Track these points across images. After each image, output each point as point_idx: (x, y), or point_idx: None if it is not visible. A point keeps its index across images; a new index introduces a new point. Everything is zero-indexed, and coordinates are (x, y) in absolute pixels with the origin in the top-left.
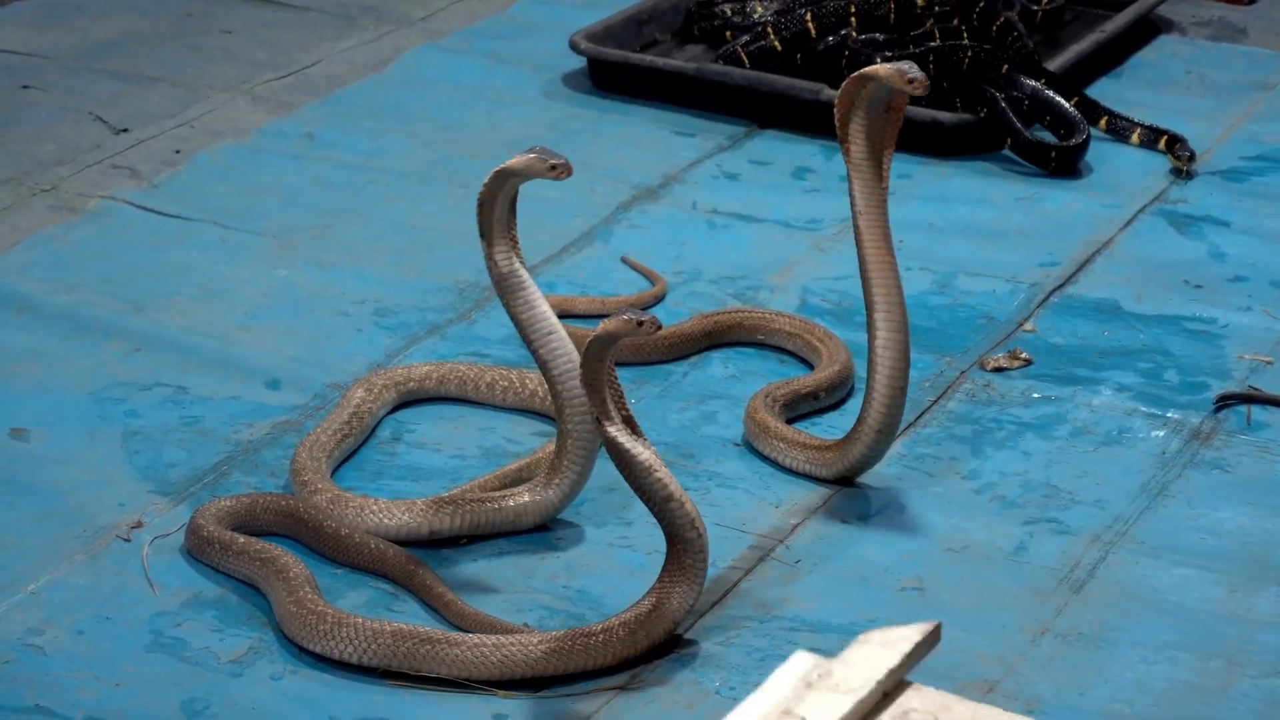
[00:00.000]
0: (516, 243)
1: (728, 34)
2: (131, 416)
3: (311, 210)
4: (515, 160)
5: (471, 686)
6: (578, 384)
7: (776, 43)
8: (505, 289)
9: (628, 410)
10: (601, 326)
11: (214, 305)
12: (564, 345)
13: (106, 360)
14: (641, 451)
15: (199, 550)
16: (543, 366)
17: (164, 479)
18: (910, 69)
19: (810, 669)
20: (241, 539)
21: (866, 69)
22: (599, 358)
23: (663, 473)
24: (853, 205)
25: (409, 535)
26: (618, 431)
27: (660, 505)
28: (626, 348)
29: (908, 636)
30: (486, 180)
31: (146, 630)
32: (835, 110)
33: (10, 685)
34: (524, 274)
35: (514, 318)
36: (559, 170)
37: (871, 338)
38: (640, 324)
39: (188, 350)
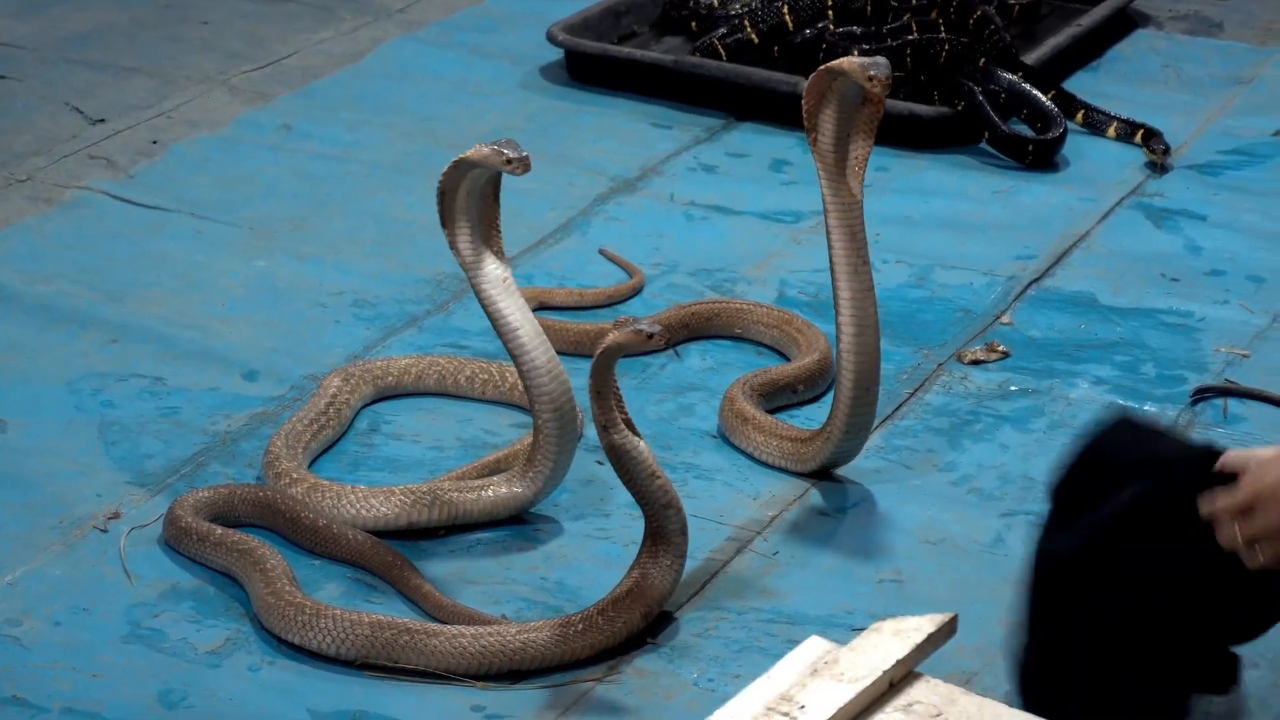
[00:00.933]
0: (496, 232)
1: (693, 25)
2: (108, 407)
3: (289, 201)
4: (473, 151)
5: (450, 678)
6: (548, 379)
7: (754, 35)
8: (472, 281)
9: (627, 413)
10: (611, 338)
11: (191, 296)
12: (533, 340)
13: (83, 351)
14: (646, 458)
15: (177, 541)
16: (513, 359)
17: (141, 470)
18: (875, 66)
19: (819, 656)
20: (219, 530)
21: (833, 63)
22: (607, 368)
23: (664, 479)
24: (823, 200)
25: (387, 526)
26: (623, 439)
27: (658, 510)
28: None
29: (920, 627)
30: (445, 170)
31: (124, 621)
32: (803, 102)
33: None
34: (491, 267)
35: (483, 309)
36: (514, 165)
37: (839, 337)
38: (650, 336)
39: (165, 341)
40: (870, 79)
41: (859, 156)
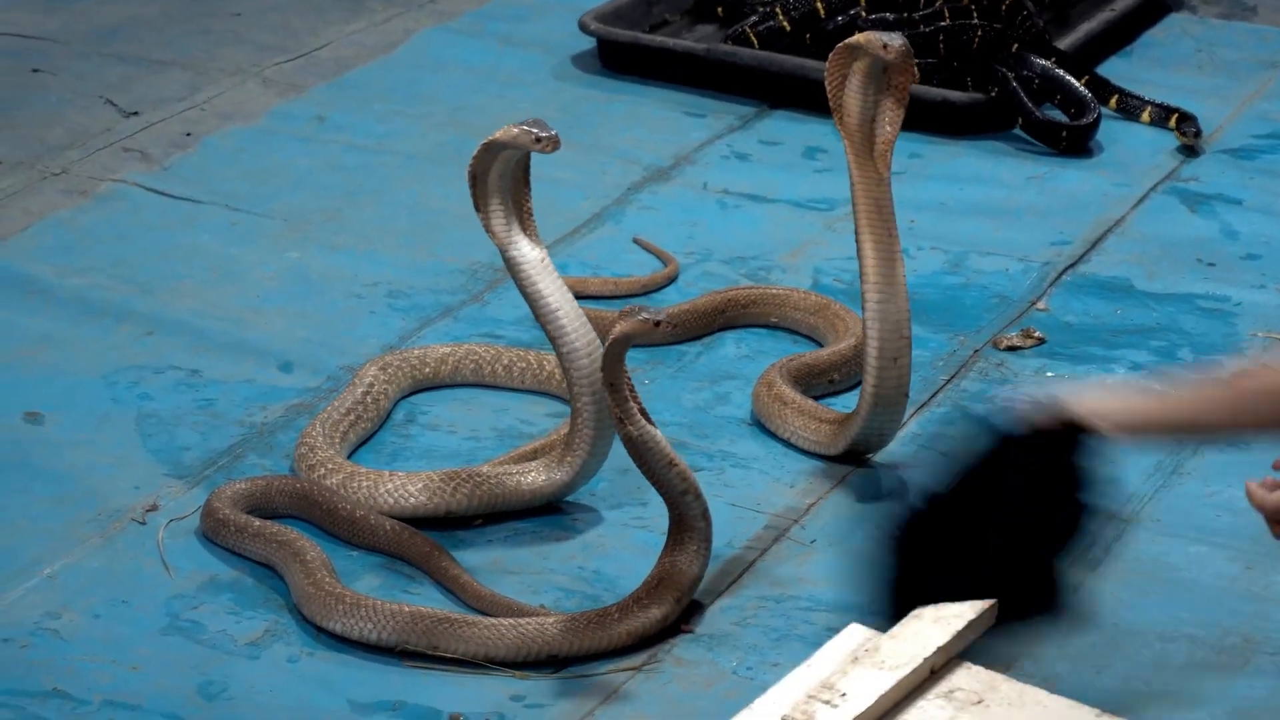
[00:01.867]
0: (529, 215)
1: (719, 10)
2: (145, 400)
3: (322, 193)
4: (501, 133)
5: (488, 668)
6: (587, 360)
7: (785, 23)
8: (509, 263)
9: (640, 402)
10: (619, 328)
11: (226, 288)
12: (572, 321)
13: (119, 343)
14: (662, 446)
15: (214, 532)
16: (552, 342)
17: (178, 462)
18: (891, 37)
19: (860, 643)
20: (257, 522)
21: (850, 39)
22: (618, 359)
23: (681, 466)
24: (850, 177)
25: (425, 513)
26: (639, 430)
27: (677, 498)
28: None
29: (961, 614)
30: (475, 153)
31: (163, 613)
32: (826, 80)
33: (28, 669)
34: (527, 248)
35: (521, 292)
36: (544, 143)
37: (864, 309)
38: (657, 324)
39: (200, 333)
40: (885, 47)
41: (886, 135)
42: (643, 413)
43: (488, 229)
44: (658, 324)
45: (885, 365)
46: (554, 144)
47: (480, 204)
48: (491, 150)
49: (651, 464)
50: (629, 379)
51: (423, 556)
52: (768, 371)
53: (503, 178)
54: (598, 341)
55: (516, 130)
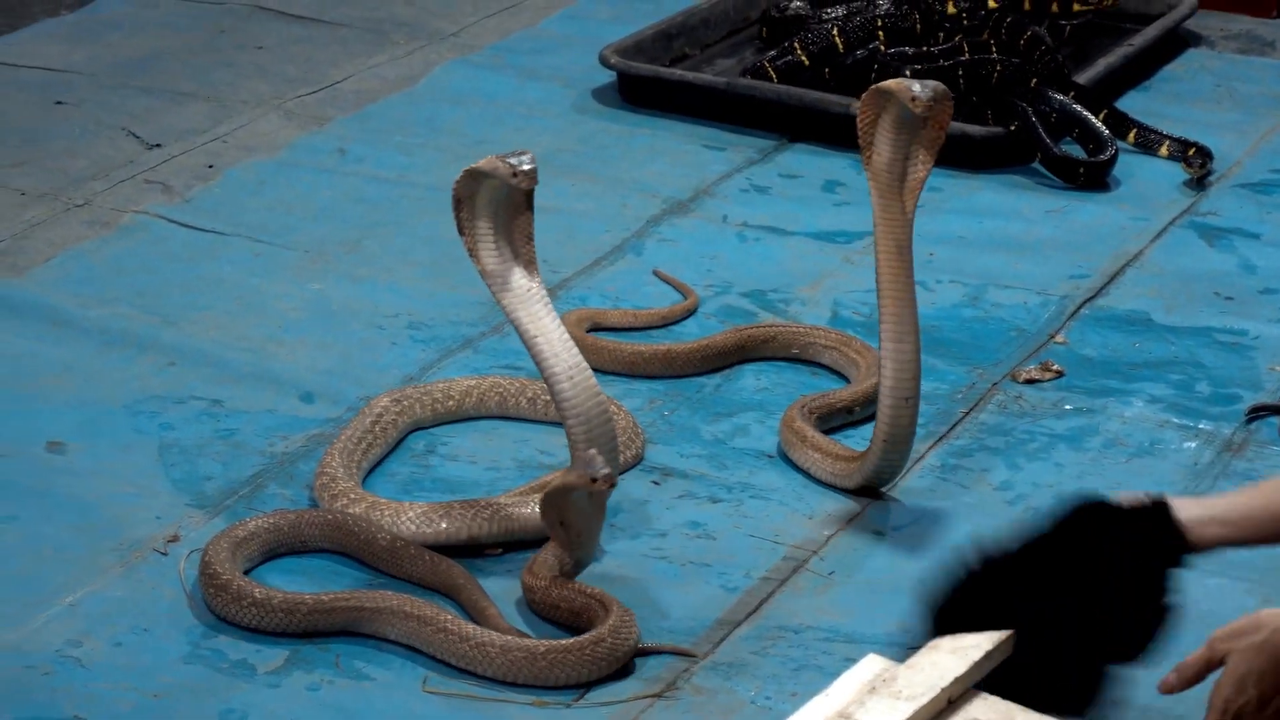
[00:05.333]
0: (525, 242)
1: (763, 31)
2: (167, 430)
3: (344, 224)
4: (484, 162)
5: (508, 699)
6: (569, 385)
7: (804, 57)
8: (492, 289)
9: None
10: (557, 479)
11: (247, 319)
12: (552, 347)
13: (141, 374)
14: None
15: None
16: (537, 366)
17: (200, 491)
18: (919, 87)
19: (877, 674)
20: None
21: (882, 83)
22: (552, 507)
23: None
24: (874, 215)
25: (446, 542)
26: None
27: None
28: (660, 362)
29: (979, 644)
30: (458, 178)
31: (184, 641)
32: (858, 121)
33: (49, 696)
34: (515, 276)
35: (508, 318)
36: (520, 179)
37: (881, 348)
38: (594, 480)
39: (222, 364)
40: (913, 100)
41: (916, 179)
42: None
43: (471, 253)
44: (594, 479)
45: (898, 405)
46: (530, 180)
47: (464, 229)
48: (472, 177)
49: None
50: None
51: (455, 589)
52: (789, 409)
53: (493, 204)
54: (586, 368)
55: (498, 162)
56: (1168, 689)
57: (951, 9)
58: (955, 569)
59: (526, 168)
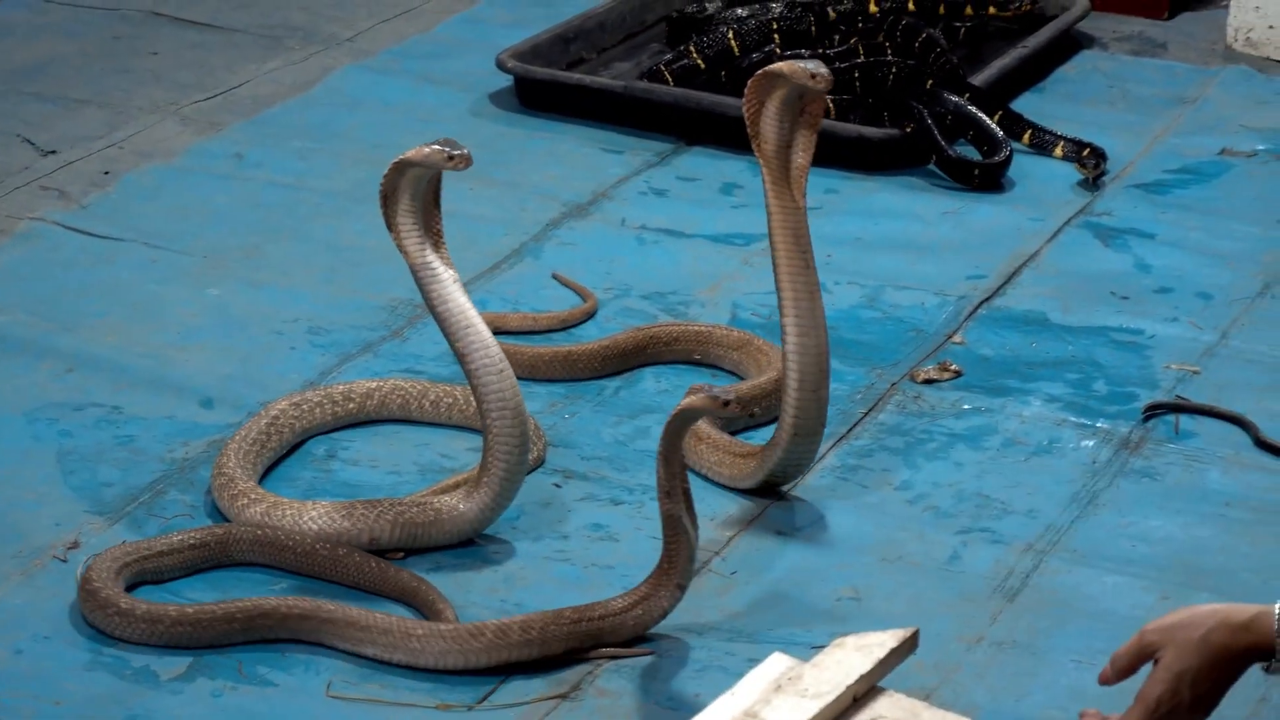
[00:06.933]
0: (439, 236)
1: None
2: (65, 436)
3: (242, 230)
4: (413, 152)
5: (412, 702)
6: (496, 378)
7: (700, 60)
8: (420, 280)
9: (688, 484)
10: (685, 401)
11: (146, 325)
12: (481, 338)
13: (39, 381)
14: (692, 539)
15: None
16: (461, 360)
17: (99, 498)
18: (817, 66)
19: (783, 672)
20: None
21: (771, 66)
22: (678, 433)
23: (694, 564)
24: (767, 207)
25: (347, 541)
26: (678, 512)
27: (672, 587)
28: (560, 364)
29: (883, 642)
30: (386, 173)
31: (85, 649)
32: (744, 107)
33: None
34: (439, 266)
35: (431, 311)
36: (456, 160)
37: (784, 341)
38: (726, 403)
39: (120, 370)
40: (813, 77)
41: (801, 163)
42: (686, 495)
43: (400, 247)
44: (726, 403)
45: (805, 397)
46: (466, 161)
47: (392, 223)
48: (402, 169)
49: (677, 548)
50: (683, 459)
51: (410, 592)
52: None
53: (414, 198)
54: (507, 361)
55: (429, 149)
56: (1104, 681)
57: (832, 16)
58: None
59: (462, 150)
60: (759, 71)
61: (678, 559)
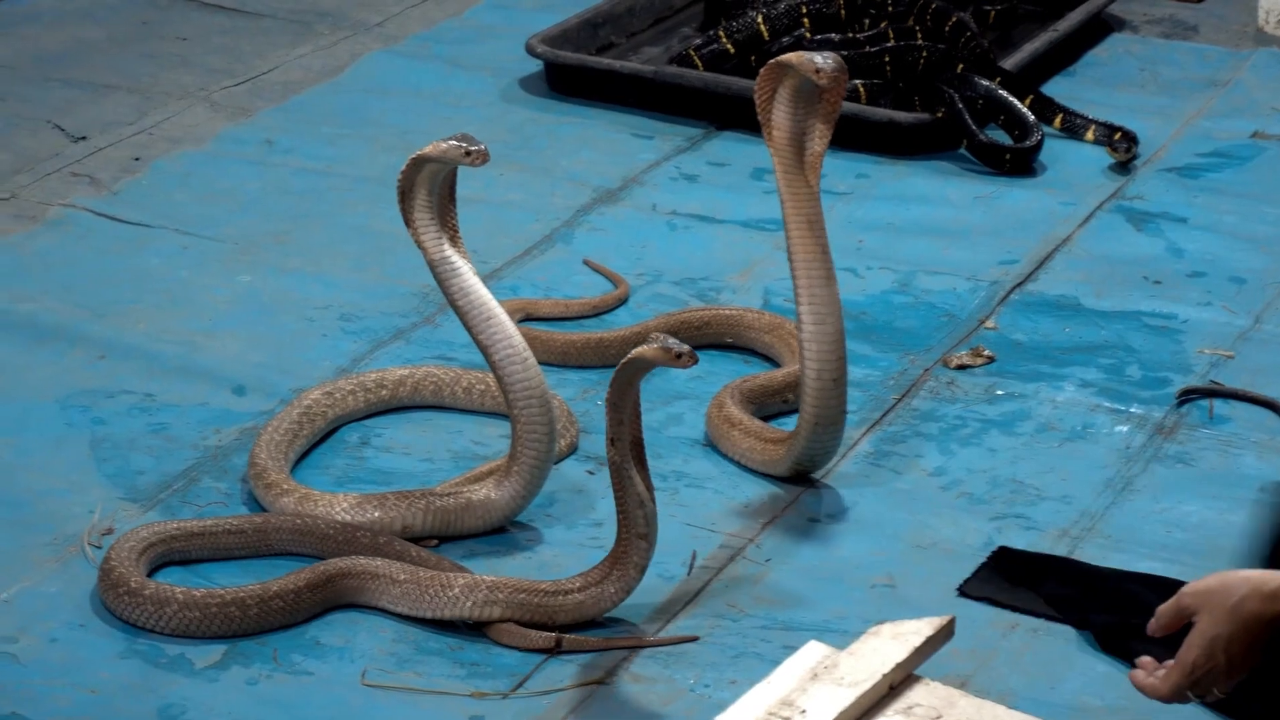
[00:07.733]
0: (455, 230)
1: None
2: (98, 424)
3: (272, 216)
4: (430, 148)
5: (447, 690)
6: (520, 367)
7: (730, 45)
8: (440, 275)
9: (639, 433)
10: (636, 350)
11: (177, 312)
12: (504, 329)
13: (71, 368)
14: (638, 486)
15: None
16: (485, 352)
17: (133, 485)
18: (824, 60)
19: (819, 660)
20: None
21: (781, 57)
22: (627, 382)
23: (649, 510)
24: (780, 195)
25: (381, 530)
26: (623, 460)
27: (632, 538)
28: (592, 351)
29: (919, 630)
30: (403, 168)
31: (120, 637)
32: (755, 95)
33: None
34: (458, 260)
35: (452, 304)
36: (474, 156)
37: (799, 329)
38: (679, 355)
39: (152, 357)
40: (817, 72)
41: (815, 152)
42: (636, 444)
43: (418, 242)
44: (679, 355)
45: (824, 386)
46: (483, 157)
47: (410, 218)
48: (419, 165)
49: (624, 496)
50: (637, 405)
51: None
52: (720, 393)
53: (430, 193)
54: (530, 351)
55: (445, 145)
56: (1151, 633)
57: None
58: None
59: (479, 146)
60: (770, 62)
61: (626, 507)
